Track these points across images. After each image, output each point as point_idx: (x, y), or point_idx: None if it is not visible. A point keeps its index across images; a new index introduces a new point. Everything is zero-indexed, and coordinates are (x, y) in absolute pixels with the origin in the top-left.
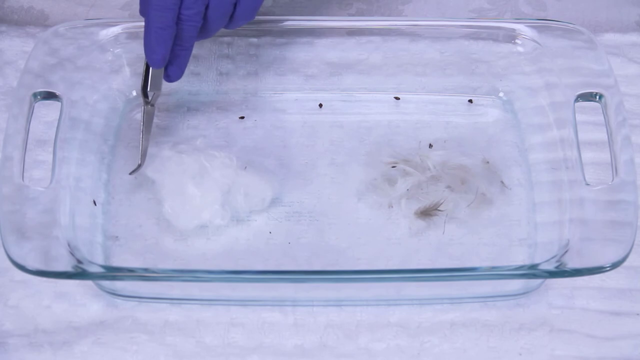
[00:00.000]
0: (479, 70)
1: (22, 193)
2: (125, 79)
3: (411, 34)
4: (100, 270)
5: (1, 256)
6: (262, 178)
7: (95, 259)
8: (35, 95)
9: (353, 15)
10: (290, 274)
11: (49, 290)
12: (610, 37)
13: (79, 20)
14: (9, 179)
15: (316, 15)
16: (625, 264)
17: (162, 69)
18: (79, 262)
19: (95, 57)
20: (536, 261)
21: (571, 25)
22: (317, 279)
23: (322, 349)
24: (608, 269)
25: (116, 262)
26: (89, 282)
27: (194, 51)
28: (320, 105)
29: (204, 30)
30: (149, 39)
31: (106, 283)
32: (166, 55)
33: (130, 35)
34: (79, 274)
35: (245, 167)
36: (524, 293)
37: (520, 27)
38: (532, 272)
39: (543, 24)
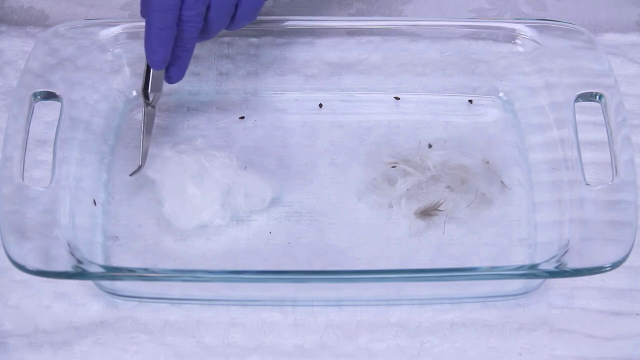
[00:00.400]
0: (479, 70)
1: (22, 193)
2: (125, 79)
3: (411, 34)
4: (100, 270)
5: (1, 256)
6: (262, 178)
7: (95, 259)
8: (35, 95)
9: (353, 15)
10: (290, 274)
11: (49, 290)
12: (610, 37)
13: (79, 20)
14: (9, 179)
15: (316, 15)
16: (625, 264)
17: (163, 70)
18: (79, 262)
19: (95, 57)
20: (536, 261)
21: (571, 25)
22: (317, 279)
23: (322, 349)
24: (608, 269)
25: (116, 262)
26: (89, 282)
27: (194, 51)
28: (320, 105)
29: (205, 32)
30: (150, 40)
31: (106, 283)
32: (167, 56)
33: (130, 35)
34: (79, 274)
35: (245, 167)
36: (524, 293)
37: (520, 27)
38: (532, 272)
39: (543, 24)
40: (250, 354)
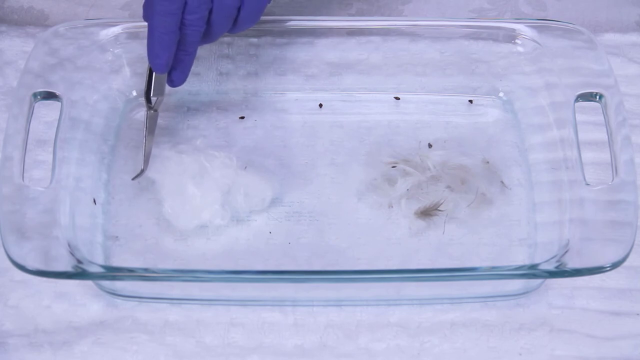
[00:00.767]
0: (479, 70)
1: (22, 193)
2: (125, 79)
3: (411, 34)
4: (100, 270)
5: (1, 256)
6: (262, 178)
7: (95, 259)
8: (35, 95)
9: (353, 15)
10: (290, 274)
11: (49, 290)
12: (610, 37)
13: (79, 20)
14: (9, 179)
15: (316, 15)
16: (625, 264)
17: (166, 74)
18: (79, 262)
19: (95, 57)
20: (536, 261)
21: (571, 25)
22: (317, 279)
23: (322, 349)
24: (608, 269)
25: (116, 262)
26: (89, 282)
27: None
28: (320, 105)
29: (208, 35)
30: (153, 44)
31: (106, 283)
32: (170, 60)
33: (130, 35)
34: (79, 274)
35: (245, 167)
36: (524, 293)
37: (520, 27)
38: (532, 272)
39: (543, 24)
40: (250, 354)
